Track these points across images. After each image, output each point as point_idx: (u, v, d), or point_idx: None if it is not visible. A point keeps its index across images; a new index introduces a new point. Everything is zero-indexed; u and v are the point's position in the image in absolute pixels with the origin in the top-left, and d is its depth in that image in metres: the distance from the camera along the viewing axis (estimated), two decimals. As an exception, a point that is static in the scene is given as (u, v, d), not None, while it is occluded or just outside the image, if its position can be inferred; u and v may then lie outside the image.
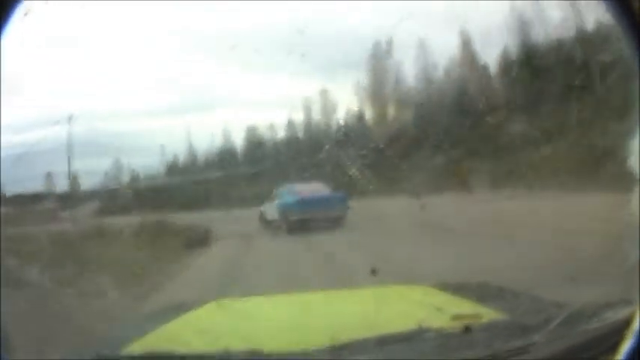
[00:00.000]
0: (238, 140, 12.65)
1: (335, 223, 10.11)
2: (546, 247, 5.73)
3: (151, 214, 10.08)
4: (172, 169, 12.46)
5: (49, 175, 11.09)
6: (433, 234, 7.19)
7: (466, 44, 10.58)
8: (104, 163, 11.88)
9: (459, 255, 5.56)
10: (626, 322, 1.14)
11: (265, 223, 11.43)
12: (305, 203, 9.95)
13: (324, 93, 12.20)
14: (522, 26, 10.90)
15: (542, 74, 8.97)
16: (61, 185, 11.36)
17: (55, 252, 7.13)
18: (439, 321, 1.49)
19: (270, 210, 11.14)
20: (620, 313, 1.24)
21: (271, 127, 12.57)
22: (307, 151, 11.18)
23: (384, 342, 1.37)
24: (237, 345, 1.46)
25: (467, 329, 1.37)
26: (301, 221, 9.96)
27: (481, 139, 8.45)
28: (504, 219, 7.92)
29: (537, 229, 6.85)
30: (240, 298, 3.02)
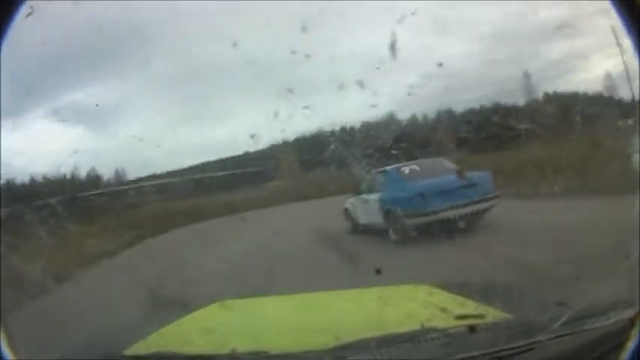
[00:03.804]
0: None
1: (470, 223, 6.09)
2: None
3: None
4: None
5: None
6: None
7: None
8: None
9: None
10: (631, 322, 1.14)
11: (354, 227, 7.73)
12: (433, 196, 6.14)
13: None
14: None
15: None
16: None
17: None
18: (443, 321, 1.49)
19: (363, 208, 7.38)
20: (625, 313, 1.24)
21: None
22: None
23: (388, 342, 1.37)
24: (242, 345, 1.47)
25: (471, 329, 1.37)
26: (425, 225, 5.84)
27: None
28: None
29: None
30: (245, 298, 3.03)
